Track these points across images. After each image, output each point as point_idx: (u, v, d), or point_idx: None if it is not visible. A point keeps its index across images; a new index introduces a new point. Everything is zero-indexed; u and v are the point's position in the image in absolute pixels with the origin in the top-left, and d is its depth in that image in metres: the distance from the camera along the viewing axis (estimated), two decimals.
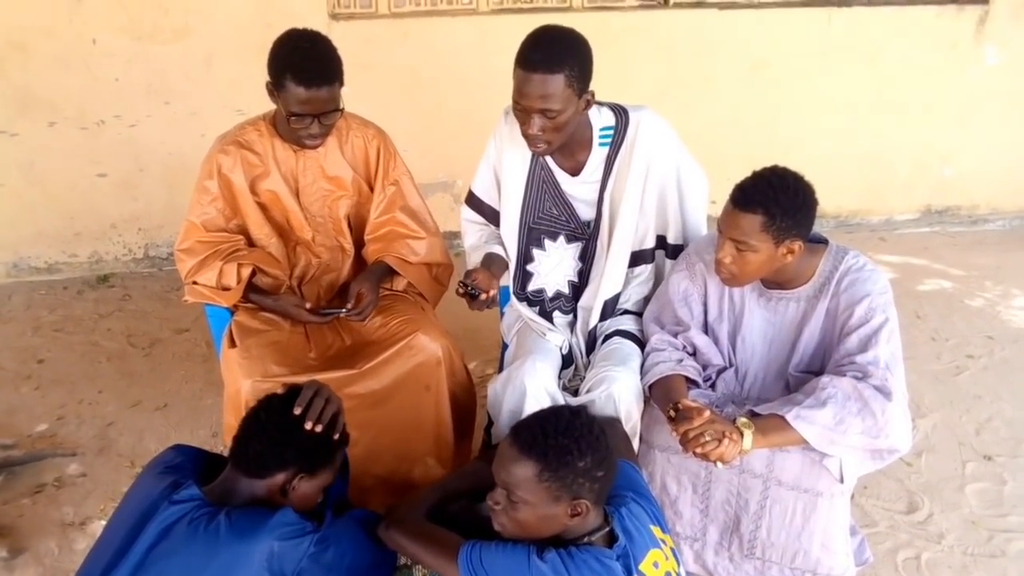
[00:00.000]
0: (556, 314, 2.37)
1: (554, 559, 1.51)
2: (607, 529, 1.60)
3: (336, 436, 1.72)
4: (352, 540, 1.72)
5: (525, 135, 2.05)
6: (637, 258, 2.32)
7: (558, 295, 2.36)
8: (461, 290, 2.13)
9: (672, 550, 1.68)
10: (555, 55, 1.93)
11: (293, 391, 1.71)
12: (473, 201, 2.44)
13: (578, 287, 2.37)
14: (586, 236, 2.30)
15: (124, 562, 1.54)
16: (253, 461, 1.64)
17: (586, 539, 1.57)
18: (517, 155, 2.24)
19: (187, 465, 1.71)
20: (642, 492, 1.74)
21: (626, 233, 2.25)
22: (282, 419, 1.66)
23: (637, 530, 1.61)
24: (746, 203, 1.87)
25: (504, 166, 2.27)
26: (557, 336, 2.33)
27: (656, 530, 1.66)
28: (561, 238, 2.30)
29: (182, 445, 1.80)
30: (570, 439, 1.52)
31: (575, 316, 2.39)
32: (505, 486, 1.55)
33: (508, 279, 2.39)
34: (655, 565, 1.59)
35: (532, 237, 2.31)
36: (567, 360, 2.35)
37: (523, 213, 2.28)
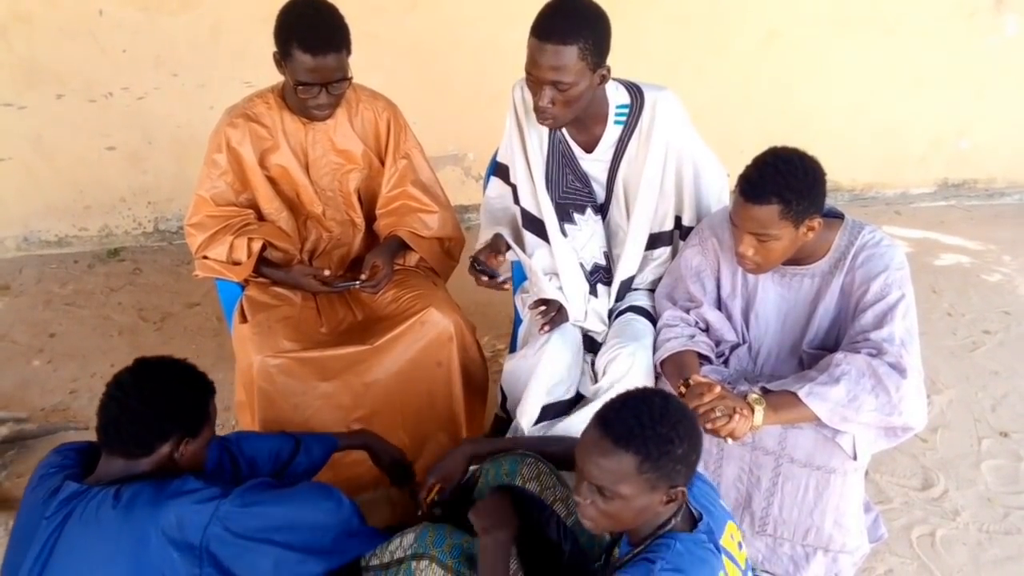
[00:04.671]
0: (599, 286, 2.30)
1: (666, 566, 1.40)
2: (684, 508, 1.50)
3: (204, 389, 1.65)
4: (284, 505, 1.63)
5: (535, 107, 2.02)
6: (656, 240, 2.28)
7: (597, 268, 2.31)
8: (472, 267, 2.16)
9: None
10: (570, 26, 1.89)
11: (139, 362, 1.63)
12: (500, 170, 2.38)
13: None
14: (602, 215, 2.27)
15: None
16: (130, 441, 1.57)
17: (671, 524, 1.47)
18: (536, 129, 2.20)
19: (66, 463, 1.63)
20: (697, 473, 1.62)
21: (645, 216, 2.21)
22: (143, 392, 1.57)
23: (712, 504, 1.55)
24: (758, 195, 1.81)
25: (526, 141, 2.22)
26: (597, 323, 2.28)
27: (723, 502, 1.62)
28: (589, 210, 2.25)
29: (62, 445, 1.71)
30: (668, 426, 1.38)
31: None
32: (595, 480, 1.40)
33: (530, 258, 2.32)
34: (731, 537, 1.54)
35: (562, 213, 2.24)
36: (595, 344, 2.31)
37: (549, 189, 2.22)
